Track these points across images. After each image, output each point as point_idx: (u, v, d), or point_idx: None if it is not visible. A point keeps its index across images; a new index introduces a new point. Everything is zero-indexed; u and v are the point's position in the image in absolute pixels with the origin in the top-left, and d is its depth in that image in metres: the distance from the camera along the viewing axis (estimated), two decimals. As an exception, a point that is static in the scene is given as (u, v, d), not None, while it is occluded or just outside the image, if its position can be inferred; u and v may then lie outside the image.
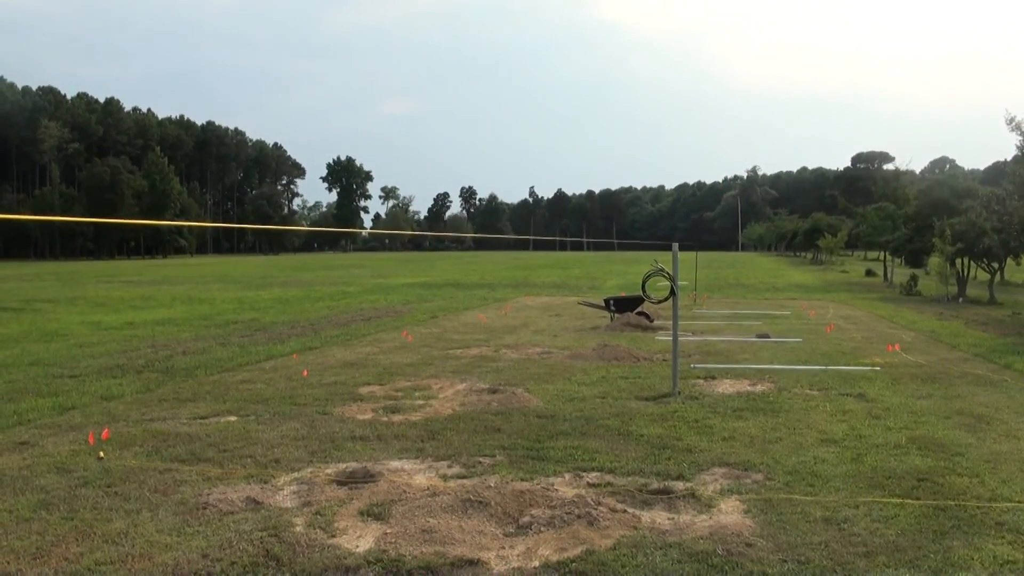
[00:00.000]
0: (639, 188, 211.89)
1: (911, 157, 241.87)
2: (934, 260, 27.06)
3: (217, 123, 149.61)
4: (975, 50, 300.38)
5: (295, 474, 6.33)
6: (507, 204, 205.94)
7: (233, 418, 8.36)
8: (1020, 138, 22.32)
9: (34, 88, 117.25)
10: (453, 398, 9.35)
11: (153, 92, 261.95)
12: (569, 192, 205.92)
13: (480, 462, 6.64)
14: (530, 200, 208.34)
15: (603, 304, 18.50)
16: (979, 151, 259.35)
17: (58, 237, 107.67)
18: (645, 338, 15.15)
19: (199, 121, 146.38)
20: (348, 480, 6.11)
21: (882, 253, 41.14)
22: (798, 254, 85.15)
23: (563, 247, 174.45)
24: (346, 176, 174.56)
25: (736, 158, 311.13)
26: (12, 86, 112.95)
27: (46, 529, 5.10)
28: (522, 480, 6.07)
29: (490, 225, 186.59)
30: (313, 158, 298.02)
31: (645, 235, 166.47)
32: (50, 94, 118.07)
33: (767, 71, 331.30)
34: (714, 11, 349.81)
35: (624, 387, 10.02)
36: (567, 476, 6.24)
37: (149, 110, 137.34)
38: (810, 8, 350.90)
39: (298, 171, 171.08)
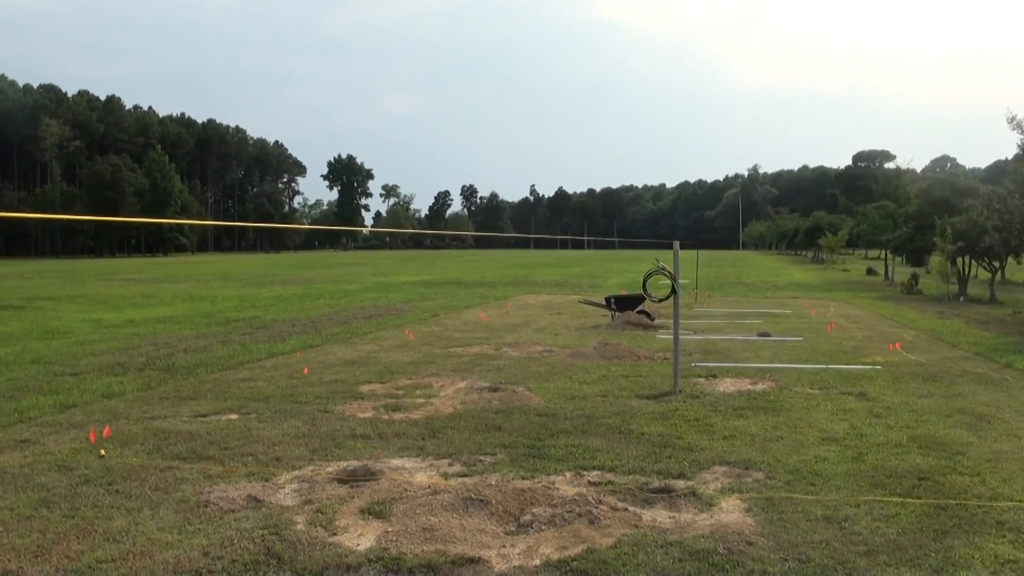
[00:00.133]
0: (640, 186, 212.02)
1: (912, 156, 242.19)
2: (935, 259, 27.06)
3: (218, 121, 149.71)
4: (976, 49, 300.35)
5: (296, 472, 6.33)
6: (508, 202, 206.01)
7: (234, 416, 8.36)
8: (1021, 136, 22.30)
9: (35, 86, 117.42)
10: (454, 396, 9.35)
11: (154, 90, 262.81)
12: (570, 190, 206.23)
13: (481, 460, 6.64)
14: (531, 198, 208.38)
15: (604, 303, 18.50)
16: (980, 150, 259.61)
17: (59, 235, 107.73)
18: (646, 337, 15.15)
19: (200, 119, 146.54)
20: (349, 478, 6.11)
21: (883, 252, 41.13)
22: (799, 253, 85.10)
23: (564, 245, 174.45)
24: (347, 174, 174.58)
25: (737, 156, 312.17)
26: (13, 84, 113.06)
27: (47, 527, 5.10)
28: (523, 478, 6.08)
29: (491, 223, 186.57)
30: (314, 156, 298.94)
31: (646, 233, 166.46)
32: (51, 92, 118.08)
33: (768, 70, 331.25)
34: (715, 10, 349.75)
35: (625, 385, 10.02)
36: (568, 475, 6.24)
37: (150, 108, 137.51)
38: (811, 7, 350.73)
39: (299, 169, 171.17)
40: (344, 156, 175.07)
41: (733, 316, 19.60)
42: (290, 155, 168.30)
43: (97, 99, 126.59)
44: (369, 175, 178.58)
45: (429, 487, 5.87)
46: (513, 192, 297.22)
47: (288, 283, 35.67)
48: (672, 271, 10.05)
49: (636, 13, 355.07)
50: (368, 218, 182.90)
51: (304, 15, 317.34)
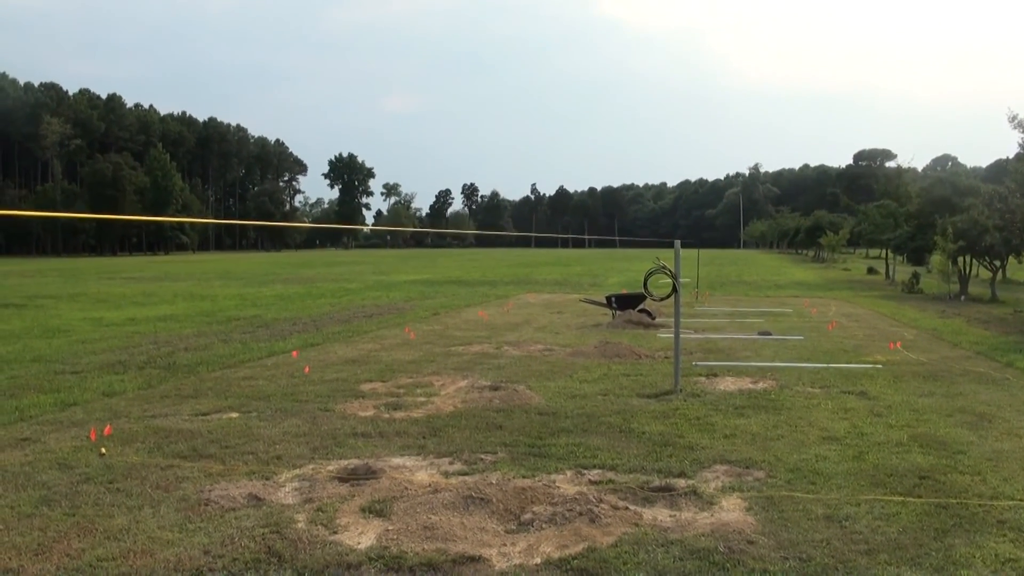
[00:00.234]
0: (641, 185, 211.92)
1: (913, 155, 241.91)
2: (936, 258, 27.04)
3: (219, 119, 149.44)
4: (977, 48, 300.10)
5: (297, 471, 6.33)
6: (509, 201, 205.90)
7: (235, 414, 8.36)
8: (1022, 135, 22.29)
9: (36, 84, 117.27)
10: (455, 395, 9.35)
11: (155, 88, 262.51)
12: (571, 189, 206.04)
13: (482, 459, 6.64)
14: (532, 197, 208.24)
15: (605, 301, 18.50)
16: (981, 149, 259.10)
17: (60, 233, 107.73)
18: (647, 335, 15.14)
19: (201, 117, 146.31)
20: (350, 477, 6.11)
21: (884, 251, 41.11)
22: (800, 252, 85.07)
23: (565, 244, 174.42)
24: (348, 173, 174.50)
25: (738, 155, 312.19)
26: (14, 82, 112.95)
27: (48, 525, 5.10)
28: (524, 477, 6.08)
29: (492, 222, 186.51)
30: (315, 155, 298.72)
31: (647, 232, 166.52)
32: (52, 90, 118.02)
33: (769, 68, 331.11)
34: (716, 9, 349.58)
35: (626, 384, 10.02)
36: (569, 473, 6.24)
37: (151, 106, 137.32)
38: (812, 6, 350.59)
39: (300, 168, 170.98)
40: (345, 155, 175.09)
41: (734, 315, 19.60)
42: (291, 153, 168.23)
43: (98, 97, 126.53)
44: (370, 174, 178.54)
45: (430, 485, 5.87)
46: (514, 191, 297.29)
47: (289, 282, 35.68)
48: (673, 270, 10.05)
49: (637, 12, 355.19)
50: (369, 217, 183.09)
51: (305, 14, 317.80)
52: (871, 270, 44.08)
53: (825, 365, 11.50)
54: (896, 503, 5.51)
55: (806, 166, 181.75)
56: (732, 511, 5.37)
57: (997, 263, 26.46)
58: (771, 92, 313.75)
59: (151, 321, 18.08)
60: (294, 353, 12.82)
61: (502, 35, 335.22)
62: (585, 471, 6.29)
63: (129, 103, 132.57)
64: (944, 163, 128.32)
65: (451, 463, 6.56)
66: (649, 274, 13.17)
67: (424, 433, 7.52)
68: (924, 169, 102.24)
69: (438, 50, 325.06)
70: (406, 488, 5.80)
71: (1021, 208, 21.41)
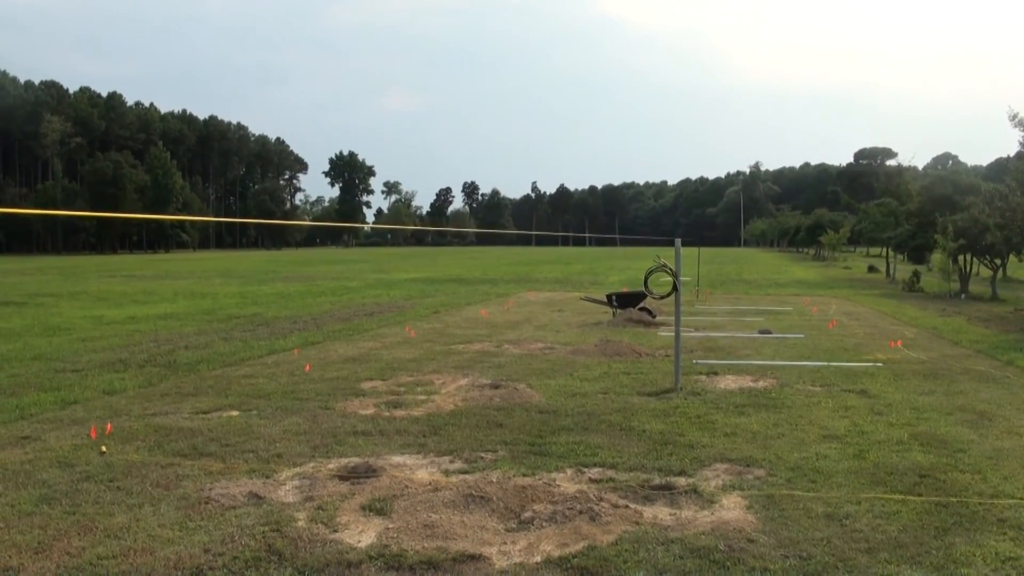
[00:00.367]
0: (641, 183, 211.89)
1: (914, 153, 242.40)
2: (936, 256, 27.03)
3: (219, 118, 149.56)
4: (977, 46, 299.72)
5: (297, 469, 6.33)
6: (509, 199, 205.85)
7: (235, 413, 8.36)
8: (1023, 134, 22.28)
9: (36, 82, 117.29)
10: (455, 393, 9.35)
11: (155, 87, 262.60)
12: (571, 187, 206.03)
13: (482, 457, 6.64)
14: (532, 195, 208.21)
15: (605, 300, 18.49)
16: (982, 147, 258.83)
17: (60, 232, 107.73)
18: (647, 334, 15.14)
19: (201, 116, 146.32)
20: (350, 475, 6.11)
21: (884, 249, 41.10)
22: (800, 250, 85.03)
23: (565, 242, 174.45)
24: (348, 171, 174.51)
25: (738, 154, 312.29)
26: (14, 80, 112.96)
27: (48, 523, 5.10)
28: (524, 475, 6.08)
29: (492, 220, 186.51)
30: (315, 153, 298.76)
31: (647, 231, 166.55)
32: (52, 88, 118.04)
33: (770, 67, 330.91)
34: (717, 7, 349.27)
35: (626, 383, 10.02)
36: (569, 472, 6.24)
37: (151, 105, 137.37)
38: (813, 4, 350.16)
39: (300, 166, 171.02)
40: (345, 153, 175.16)
41: (734, 313, 19.60)
42: (292, 152, 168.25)
43: (99, 96, 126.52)
44: (371, 172, 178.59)
45: (430, 484, 5.87)
46: (514, 189, 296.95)
47: (289, 280, 35.68)
48: (673, 268, 10.05)
49: (638, 10, 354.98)
50: (369, 215, 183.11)
51: (306, 12, 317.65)
52: (871, 268, 44.06)
53: (825, 363, 11.50)
54: (896, 501, 5.50)
55: (807, 164, 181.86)
56: (732, 509, 5.37)
57: (998, 261, 26.45)
58: (772, 90, 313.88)
59: (151, 319, 18.08)
60: (297, 351, 12.82)
61: (502, 33, 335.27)
62: (585, 469, 6.29)
63: (129, 101, 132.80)
64: (945, 161, 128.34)
65: (451, 461, 6.56)
66: (649, 272, 13.16)
67: (424, 431, 7.52)
68: (925, 167, 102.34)
69: (439, 48, 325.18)
70: (406, 486, 5.80)
71: (1022, 206, 21.39)
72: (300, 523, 5.12)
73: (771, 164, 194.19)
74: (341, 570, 4.43)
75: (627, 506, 5.38)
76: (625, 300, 17.90)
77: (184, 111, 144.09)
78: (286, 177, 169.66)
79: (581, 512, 5.16)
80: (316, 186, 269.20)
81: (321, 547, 4.72)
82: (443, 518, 5.12)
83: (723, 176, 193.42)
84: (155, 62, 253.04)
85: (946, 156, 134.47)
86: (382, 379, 10.36)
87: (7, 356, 12.36)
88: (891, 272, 37.22)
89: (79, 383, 10.04)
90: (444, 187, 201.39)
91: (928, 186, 34.97)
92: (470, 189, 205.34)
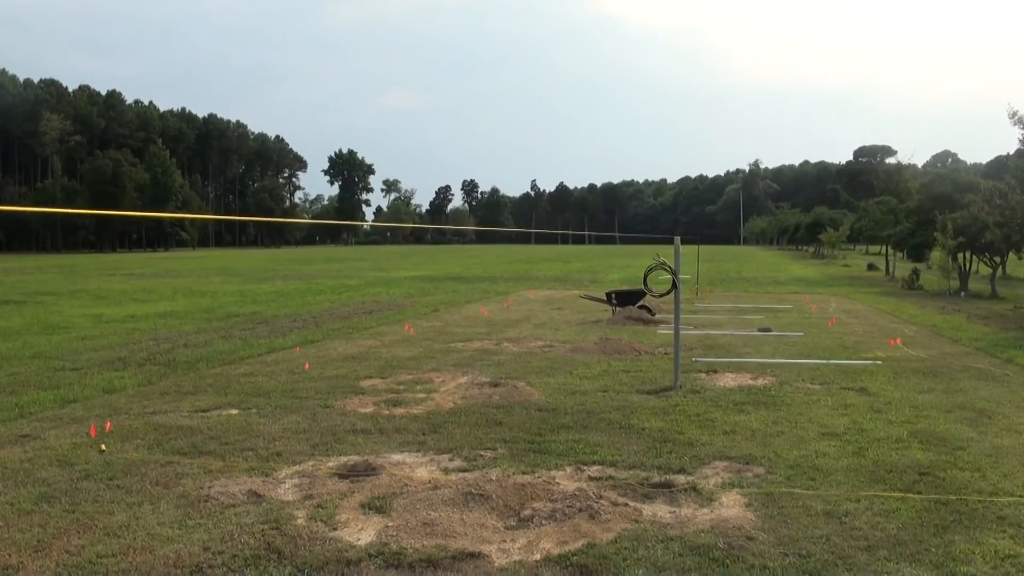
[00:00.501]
0: (641, 181, 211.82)
1: (913, 151, 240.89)
2: (936, 254, 27.02)
3: (219, 116, 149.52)
4: (977, 44, 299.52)
5: (296, 467, 6.33)
6: (509, 197, 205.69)
7: (235, 411, 8.36)
8: (1022, 132, 22.29)
9: (36, 81, 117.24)
10: (455, 391, 9.35)
11: (155, 85, 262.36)
12: (571, 185, 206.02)
13: (481, 455, 6.64)
14: (532, 193, 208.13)
15: (605, 298, 18.49)
16: (981, 145, 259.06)
17: (60, 230, 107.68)
18: (647, 332, 15.14)
19: (201, 114, 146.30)
20: (349, 473, 6.11)
21: (884, 247, 41.09)
22: (800, 248, 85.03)
23: (565, 240, 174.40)
24: (348, 169, 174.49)
25: (738, 152, 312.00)
26: (14, 79, 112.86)
27: (47, 522, 5.10)
28: (523, 473, 6.08)
29: (492, 218, 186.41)
30: (315, 151, 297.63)
31: (647, 229, 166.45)
32: (52, 87, 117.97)
33: (769, 65, 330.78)
34: (717, 6, 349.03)
35: (626, 381, 10.02)
36: (568, 469, 6.24)
37: (151, 103, 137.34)
38: (813, 3, 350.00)
39: (300, 164, 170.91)
40: (345, 151, 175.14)
41: (734, 311, 19.60)
42: (291, 150, 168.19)
43: (98, 94, 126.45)
44: (370, 170, 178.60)
45: (429, 482, 5.87)
46: (514, 187, 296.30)
47: (289, 278, 35.67)
48: (673, 266, 10.04)
49: (637, 9, 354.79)
50: (369, 213, 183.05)
51: (305, 11, 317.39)
52: (871, 266, 44.05)
53: (825, 361, 11.50)
54: (896, 499, 5.51)
55: (806, 162, 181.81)
56: (732, 507, 5.37)
57: (997, 259, 26.45)
58: (771, 88, 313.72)
59: (151, 318, 18.08)
60: (296, 349, 12.82)
61: (502, 32, 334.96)
62: (585, 467, 6.29)
63: (129, 99, 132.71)
64: (944, 159, 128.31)
65: (451, 459, 6.56)
66: (649, 270, 13.16)
67: (424, 429, 7.52)
68: (924, 165, 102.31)
69: (438, 47, 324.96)
70: (406, 484, 5.80)
71: (1021, 204, 21.40)
72: (299, 521, 5.12)
73: (771, 162, 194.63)
74: (340, 568, 4.43)
75: (626, 504, 5.38)
76: (625, 298, 17.90)
77: (183, 109, 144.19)
78: (285, 175, 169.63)
79: (580, 510, 5.16)
80: (315, 184, 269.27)
81: (320, 545, 4.72)
82: (442, 516, 5.12)
83: (723, 174, 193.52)
84: (154, 60, 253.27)
85: (945, 154, 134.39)
86: (381, 377, 10.36)
87: (6, 355, 12.35)
88: (890, 270, 37.22)
89: (78, 381, 10.04)
90: (443, 185, 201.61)
91: (928, 184, 34.97)
92: (469, 187, 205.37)
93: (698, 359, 11.66)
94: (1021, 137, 22.82)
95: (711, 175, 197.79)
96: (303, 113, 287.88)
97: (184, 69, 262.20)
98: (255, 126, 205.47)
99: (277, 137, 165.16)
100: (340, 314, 18.77)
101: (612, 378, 10.19)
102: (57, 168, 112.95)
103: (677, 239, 10.44)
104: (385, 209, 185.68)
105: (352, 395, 9.18)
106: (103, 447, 6.82)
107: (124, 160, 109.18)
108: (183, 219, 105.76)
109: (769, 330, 15.26)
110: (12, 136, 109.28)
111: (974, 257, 27.04)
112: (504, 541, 4.81)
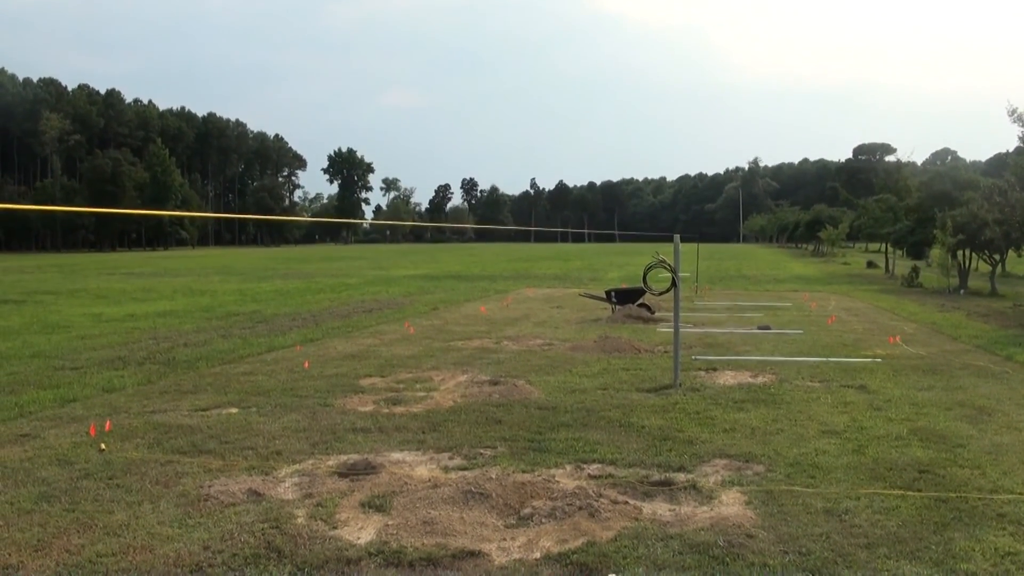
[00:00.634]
0: (640, 180, 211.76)
1: (913, 149, 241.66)
2: (935, 252, 27.03)
3: (218, 115, 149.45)
4: (977, 42, 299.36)
5: (296, 466, 6.33)
6: (508, 196, 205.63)
7: (234, 410, 8.36)
8: (1022, 129, 22.30)
9: (35, 80, 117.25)
10: (454, 390, 9.35)
11: (154, 84, 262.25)
12: (570, 184, 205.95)
13: (481, 454, 6.64)
14: (531, 192, 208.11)
15: (604, 296, 18.49)
16: (981, 143, 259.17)
17: (59, 229, 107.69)
18: (646, 330, 15.14)
19: (200, 113, 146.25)
20: (349, 472, 6.11)
21: (884, 245, 41.08)
22: (799, 246, 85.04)
23: (564, 239, 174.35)
24: (347, 168, 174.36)
25: (738, 150, 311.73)
26: (13, 78, 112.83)
27: (47, 521, 5.10)
28: (523, 472, 6.08)
29: (491, 217, 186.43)
30: (314, 150, 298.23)
31: (646, 227, 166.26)
32: (51, 86, 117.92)
33: (769, 63, 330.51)
34: (716, 3, 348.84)
35: (625, 379, 10.02)
36: (568, 468, 6.24)
37: (150, 102, 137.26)
38: (812, 1, 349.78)
39: (299, 163, 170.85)
40: (344, 150, 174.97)
41: (733, 309, 19.60)
42: (290, 149, 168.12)
43: (97, 93, 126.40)
44: (369, 169, 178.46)
45: (429, 480, 5.87)
46: (513, 185, 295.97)
47: (288, 277, 35.66)
48: (672, 264, 10.04)
49: (637, 7, 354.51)
50: (368, 211, 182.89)
51: (305, 10, 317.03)
52: (871, 264, 44.04)
53: (824, 359, 11.50)
54: (896, 497, 5.51)
55: (806, 160, 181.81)
56: (731, 505, 5.37)
57: (997, 257, 26.44)
58: (770, 86, 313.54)
59: (150, 317, 18.07)
60: (296, 347, 12.82)
61: (502, 31, 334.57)
62: (585, 465, 6.29)
63: (128, 98, 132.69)
64: (944, 157, 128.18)
65: (451, 458, 6.56)
66: (648, 268, 13.16)
67: (423, 428, 7.52)
68: (924, 163, 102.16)
69: (438, 45, 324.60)
70: (406, 483, 5.80)
71: (1021, 202, 21.40)
72: (299, 520, 5.12)
73: (770, 160, 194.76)
74: (340, 567, 4.44)
75: (626, 502, 5.38)
76: (624, 296, 17.89)
77: (183, 108, 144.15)
78: (285, 174, 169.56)
79: (580, 508, 5.16)
80: (315, 183, 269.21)
81: (320, 544, 4.72)
82: (442, 515, 5.12)
83: (722, 172, 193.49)
84: (154, 59, 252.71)
85: (945, 152, 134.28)
86: (381, 376, 10.36)
87: (6, 354, 12.35)
88: (890, 268, 37.22)
89: (78, 381, 10.04)
90: (443, 184, 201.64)
91: (927, 182, 35.01)
92: (469, 185, 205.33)
93: (698, 357, 11.66)
94: (1020, 134, 22.83)
95: (710, 173, 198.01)
96: (303, 112, 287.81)
97: (184, 68, 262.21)
98: (255, 125, 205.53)
99: (277, 136, 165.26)
100: (340, 313, 18.77)
101: (612, 376, 10.19)
102: (56, 167, 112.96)
103: (676, 237, 10.43)
104: (385, 208, 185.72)
105: (352, 394, 9.18)
106: (103, 446, 6.82)
107: (123, 159, 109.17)
108: (182, 217, 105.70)
109: (769, 328, 15.26)
110: (11, 135, 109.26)
111: (974, 255, 27.04)
112: (504, 539, 4.81)
